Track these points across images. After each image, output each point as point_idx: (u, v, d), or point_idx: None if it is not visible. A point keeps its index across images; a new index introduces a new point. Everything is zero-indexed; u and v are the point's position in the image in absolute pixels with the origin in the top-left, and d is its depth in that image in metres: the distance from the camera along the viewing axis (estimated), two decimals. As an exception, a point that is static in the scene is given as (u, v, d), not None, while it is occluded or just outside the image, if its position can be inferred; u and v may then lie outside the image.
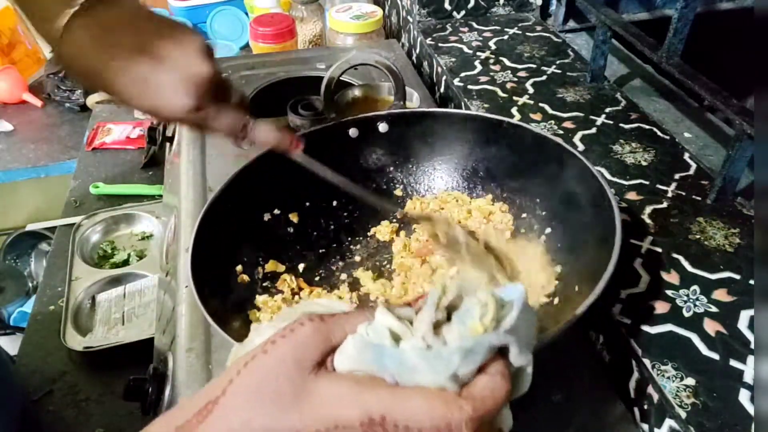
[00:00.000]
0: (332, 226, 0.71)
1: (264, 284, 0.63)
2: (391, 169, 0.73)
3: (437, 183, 0.73)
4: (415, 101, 0.84)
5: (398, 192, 0.73)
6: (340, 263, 0.68)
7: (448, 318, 0.29)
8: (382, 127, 0.71)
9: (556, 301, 0.56)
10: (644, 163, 0.76)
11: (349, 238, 0.71)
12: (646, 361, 0.53)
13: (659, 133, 0.81)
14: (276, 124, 0.54)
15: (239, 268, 0.61)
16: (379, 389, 0.28)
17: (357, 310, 0.31)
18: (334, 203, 0.71)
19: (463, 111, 0.83)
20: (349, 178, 0.71)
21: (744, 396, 0.50)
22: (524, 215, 0.67)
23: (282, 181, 0.66)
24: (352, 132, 0.70)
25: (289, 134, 0.54)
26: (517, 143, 0.66)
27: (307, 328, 0.29)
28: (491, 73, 0.96)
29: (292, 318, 0.35)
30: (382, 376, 0.28)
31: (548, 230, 0.63)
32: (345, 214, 0.72)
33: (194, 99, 0.45)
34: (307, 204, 0.69)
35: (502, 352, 0.28)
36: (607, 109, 0.86)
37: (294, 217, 0.68)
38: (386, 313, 0.29)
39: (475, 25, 1.12)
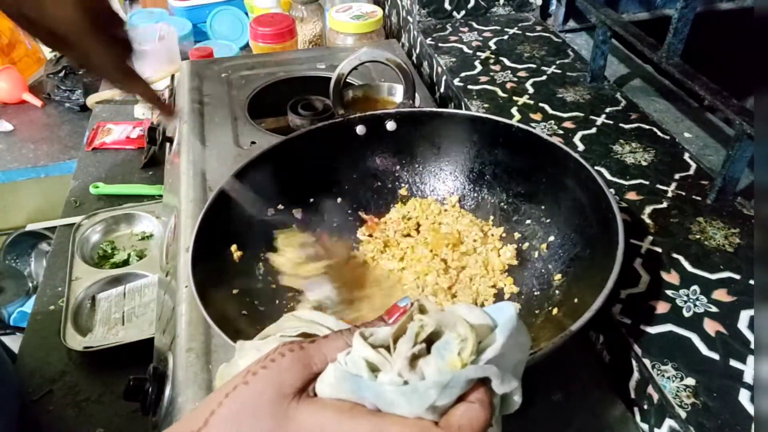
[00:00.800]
0: (335, 224, 0.71)
1: (265, 280, 0.63)
2: (398, 168, 0.73)
3: (443, 185, 0.73)
4: (415, 101, 0.84)
5: (403, 191, 0.73)
6: (342, 259, 0.68)
7: (429, 348, 0.28)
8: (390, 125, 0.71)
9: (555, 311, 0.56)
10: (644, 163, 0.76)
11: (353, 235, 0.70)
12: (646, 361, 0.53)
13: (659, 133, 0.81)
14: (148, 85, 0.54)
15: (237, 255, 0.61)
16: (360, 418, 0.28)
17: (336, 333, 0.31)
18: (338, 200, 0.71)
19: (473, 113, 0.83)
20: (355, 175, 0.72)
21: (744, 396, 0.50)
22: (528, 221, 0.67)
23: (285, 177, 0.66)
24: (360, 129, 0.71)
25: (159, 99, 0.55)
26: (525, 148, 0.66)
27: (287, 359, 0.29)
28: (491, 73, 0.96)
29: (277, 333, 0.35)
30: (362, 403, 0.28)
31: (551, 238, 0.63)
32: (349, 211, 0.72)
33: (83, 14, 0.46)
34: (311, 200, 0.69)
35: (484, 380, 0.28)
36: (607, 109, 0.86)
37: (297, 213, 0.68)
38: (362, 342, 0.29)
39: (475, 25, 1.12)
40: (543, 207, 0.66)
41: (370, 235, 0.70)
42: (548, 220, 0.65)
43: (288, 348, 0.30)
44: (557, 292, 0.59)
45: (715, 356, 0.53)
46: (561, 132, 0.82)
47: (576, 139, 0.81)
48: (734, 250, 0.63)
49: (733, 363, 0.52)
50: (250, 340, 0.36)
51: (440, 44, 1.05)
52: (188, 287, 0.63)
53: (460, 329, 0.28)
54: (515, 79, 0.94)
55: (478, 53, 1.02)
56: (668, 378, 0.52)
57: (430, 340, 0.28)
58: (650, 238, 0.65)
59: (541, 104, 0.88)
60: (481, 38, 1.07)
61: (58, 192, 1.26)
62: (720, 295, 0.59)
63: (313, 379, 0.30)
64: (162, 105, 0.55)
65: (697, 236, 0.65)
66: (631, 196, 0.71)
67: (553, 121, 0.84)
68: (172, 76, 1.26)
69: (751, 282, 0.60)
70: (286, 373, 0.29)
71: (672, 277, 0.61)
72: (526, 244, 0.66)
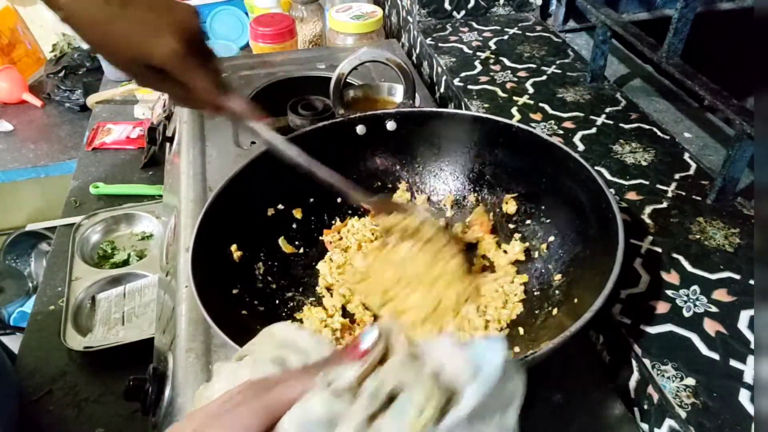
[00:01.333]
0: (335, 223, 0.71)
1: (265, 280, 0.63)
2: (397, 168, 0.73)
3: (443, 185, 0.73)
4: (415, 101, 0.84)
5: (402, 188, 0.73)
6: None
7: (393, 399, 0.27)
8: (390, 125, 0.71)
9: (555, 311, 0.56)
10: (644, 163, 0.76)
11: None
12: (646, 361, 0.53)
13: (659, 133, 0.81)
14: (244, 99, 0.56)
15: (237, 255, 0.61)
16: None
17: (301, 374, 0.30)
18: (338, 200, 0.71)
19: (473, 113, 0.83)
20: (355, 176, 0.72)
21: (744, 396, 0.50)
22: (528, 221, 0.67)
23: (285, 177, 0.66)
24: (360, 129, 0.71)
25: (256, 107, 0.56)
26: (525, 148, 0.66)
27: (249, 408, 0.29)
28: (491, 73, 0.96)
29: (252, 354, 0.35)
30: None
31: (551, 238, 0.63)
32: (350, 211, 0.72)
33: (183, 46, 0.49)
34: (311, 200, 0.69)
35: None
36: (607, 109, 0.86)
37: (298, 213, 0.68)
38: (323, 391, 0.28)
39: (475, 25, 1.12)
40: (543, 207, 0.66)
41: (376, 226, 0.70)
42: (548, 220, 0.65)
43: (253, 393, 0.30)
44: (557, 292, 0.59)
45: (715, 356, 0.53)
46: (561, 132, 0.82)
47: (576, 139, 0.81)
48: (734, 250, 0.63)
49: (733, 363, 0.52)
50: (227, 362, 0.35)
51: (440, 44, 1.05)
52: (188, 287, 0.63)
53: (421, 389, 0.27)
54: (515, 79, 0.94)
55: (478, 53, 1.02)
56: (668, 378, 0.52)
57: (393, 392, 0.27)
58: (650, 238, 0.65)
59: (541, 104, 0.88)
60: (481, 38, 1.07)
61: (58, 192, 1.27)
62: (720, 295, 0.59)
63: (276, 422, 0.29)
64: (255, 115, 0.56)
65: (697, 236, 0.65)
66: (631, 196, 0.71)
67: (553, 121, 0.84)
68: (172, 76, 1.26)
69: (751, 282, 0.59)
70: (248, 419, 0.29)
71: (672, 277, 0.61)
72: (527, 244, 0.66)
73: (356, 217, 0.72)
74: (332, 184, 0.58)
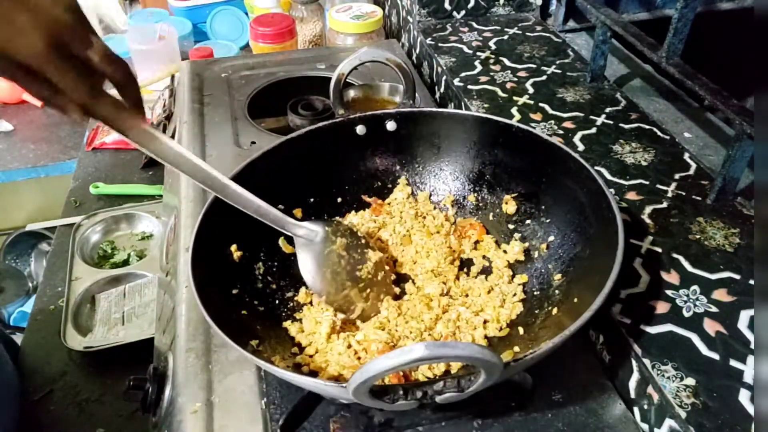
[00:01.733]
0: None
1: (265, 280, 0.63)
2: (398, 168, 0.73)
3: (443, 185, 0.73)
4: (415, 101, 0.84)
5: (402, 182, 0.73)
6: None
7: None
8: (390, 125, 0.71)
9: (555, 311, 0.56)
10: (644, 163, 0.76)
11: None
12: (646, 361, 0.53)
13: (659, 133, 0.81)
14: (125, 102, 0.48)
15: (237, 255, 0.61)
16: None
17: None
18: (338, 200, 0.71)
19: (473, 113, 0.83)
20: (355, 176, 0.72)
21: (744, 396, 0.50)
22: (528, 221, 0.67)
23: (285, 177, 0.66)
24: (360, 129, 0.70)
25: (135, 112, 0.49)
26: (525, 148, 0.66)
27: None
28: (491, 73, 0.96)
29: None
30: None
31: (551, 238, 0.63)
32: (351, 212, 0.72)
33: (48, 44, 0.42)
34: (311, 200, 0.69)
35: None
36: (607, 109, 0.86)
37: (298, 213, 0.68)
38: None
39: (475, 25, 1.12)
40: (543, 207, 0.66)
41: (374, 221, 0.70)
42: (548, 220, 0.65)
43: None
44: (557, 292, 0.59)
45: (715, 356, 0.53)
46: (561, 132, 0.82)
47: (576, 139, 0.81)
48: (734, 250, 0.63)
49: (733, 363, 0.52)
50: None
51: (440, 44, 1.05)
52: (188, 287, 0.63)
53: None
54: (515, 79, 0.94)
55: (478, 53, 1.02)
56: (668, 378, 0.52)
57: None
58: (650, 238, 0.65)
59: (541, 104, 0.88)
60: (481, 38, 1.07)
61: (58, 192, 1.27)
62: (720, 295, 0.59)
63: None
64: (132, 121, 0.49)
65: (697, 236, 0.65)
66: (631, 196, 0.71)
67: (553, 121, 0.84)
68: (172, 76, 1.27)
69: (751, 282, 0.60)
70: None
71: (672, 277, 0.61)
72: (526, 244, 0.66)
73: (353, 212, 0.71)
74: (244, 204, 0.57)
